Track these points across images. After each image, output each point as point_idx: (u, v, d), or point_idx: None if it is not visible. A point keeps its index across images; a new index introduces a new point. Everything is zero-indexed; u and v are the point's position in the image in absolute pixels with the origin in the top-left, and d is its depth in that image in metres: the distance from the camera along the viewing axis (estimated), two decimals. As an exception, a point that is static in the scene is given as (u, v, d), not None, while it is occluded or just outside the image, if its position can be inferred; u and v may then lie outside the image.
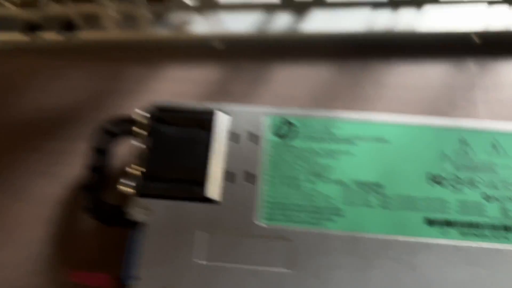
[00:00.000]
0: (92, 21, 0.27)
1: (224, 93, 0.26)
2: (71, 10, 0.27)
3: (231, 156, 0.20)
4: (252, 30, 0.26)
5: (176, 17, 0.27)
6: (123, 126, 0.23)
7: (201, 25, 0.27)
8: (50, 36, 0.27)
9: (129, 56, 0.27)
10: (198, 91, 0.26)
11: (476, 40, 0.26)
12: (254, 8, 0.27)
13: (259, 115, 0.21)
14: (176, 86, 0.26)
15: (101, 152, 0.22)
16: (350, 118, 0.21)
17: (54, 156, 0.25)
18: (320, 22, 0.26)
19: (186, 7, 0.27)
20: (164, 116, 0.21)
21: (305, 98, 0.26)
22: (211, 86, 0.26)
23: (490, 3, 0.26)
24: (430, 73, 0.26)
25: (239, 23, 0.27)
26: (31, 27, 0.27)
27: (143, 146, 0.21)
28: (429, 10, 0.26)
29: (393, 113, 0.22)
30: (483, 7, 0.26)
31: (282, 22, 0.26)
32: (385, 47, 0.26)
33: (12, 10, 0.27)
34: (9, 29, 0.27)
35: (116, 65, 0.27)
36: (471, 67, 0.26)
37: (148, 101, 0.22)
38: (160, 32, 0.27)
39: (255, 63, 0.27)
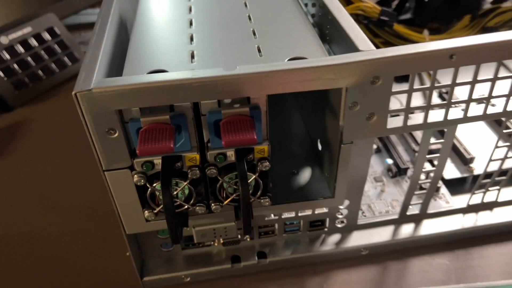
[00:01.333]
0: (272, 248, 0.38)
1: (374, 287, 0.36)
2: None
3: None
4: (385, 239, 0.38)
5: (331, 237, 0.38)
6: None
7: (352, 239, 0.38)
8: (246, 263, 0.37)
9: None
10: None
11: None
12: (384, 224, 0.39)
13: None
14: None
15: None
16: None
17: None
18: (430, 227, 0.39)
19: (337, 229, 0.38)
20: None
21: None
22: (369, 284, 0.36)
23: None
24: None
25: (375, 235, 0.38)
26: (233, 258, 0.37)
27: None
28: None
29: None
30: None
31: (406, 229, 0.38)
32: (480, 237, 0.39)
33: (216, 247, 0.37)
34: (215, 263, 0.37)
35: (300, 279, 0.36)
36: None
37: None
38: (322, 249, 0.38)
39: (393, 259, 0.37)
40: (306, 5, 0.42)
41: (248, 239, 0.37)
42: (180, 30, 0.32)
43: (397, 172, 0.43)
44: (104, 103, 0.24)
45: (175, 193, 0.29)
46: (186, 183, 0.29)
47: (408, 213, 0.38)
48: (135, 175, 0.28)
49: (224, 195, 0.30)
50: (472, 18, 0.61)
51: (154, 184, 0.28)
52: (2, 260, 0.39)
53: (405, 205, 0.38)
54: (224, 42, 0.30)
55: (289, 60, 0.28)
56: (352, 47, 0.28)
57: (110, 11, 0.34)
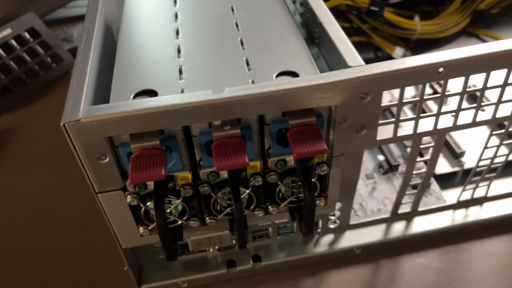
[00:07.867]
0: (267, 250, 0.38)
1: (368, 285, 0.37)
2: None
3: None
4: (377, 238, 0.39)
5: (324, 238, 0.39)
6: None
7: (345, 239, 0.39)
8: (242, 267, 0.37)
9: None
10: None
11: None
12: (376, 223, 0.40)
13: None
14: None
15: None
16: None
17: None
18: (421, 224, 0.39)
19: (330, 230, 0.39)
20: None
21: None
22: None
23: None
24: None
25: (368, 234, 0.39)
26: (228, 262, 0.37)
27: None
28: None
29: None
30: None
31: (397, 228, 0.39)
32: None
33: (212, 252, 0.38)
34: (211, 269, 0.37)
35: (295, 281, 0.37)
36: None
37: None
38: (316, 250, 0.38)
39: (386, 257, 0.38)
40: (294, 2, 0.41)
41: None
42: (167, 41, 0.32)
43: (388, 169, 0.43)
44: (93, 131, 0.24)
45: (168, 210, 0.29)
46: (179, 201, 0.29)
47: (399, 212, 0.39)
48: (128, 196, 0.28)
49: (218, 208, 0.31)
50: (464, 0, 0.60)
51: (148, 204, 0.29)
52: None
53: (397, 204, 0.38)
54: (212, 54, 0.30)
55: (278, 74, 0.28)
56: (341, 62, 0.28)
57: (95, 21, 0.33)
